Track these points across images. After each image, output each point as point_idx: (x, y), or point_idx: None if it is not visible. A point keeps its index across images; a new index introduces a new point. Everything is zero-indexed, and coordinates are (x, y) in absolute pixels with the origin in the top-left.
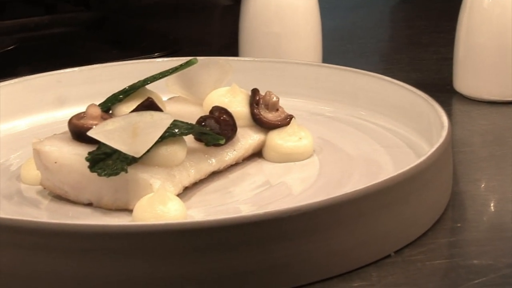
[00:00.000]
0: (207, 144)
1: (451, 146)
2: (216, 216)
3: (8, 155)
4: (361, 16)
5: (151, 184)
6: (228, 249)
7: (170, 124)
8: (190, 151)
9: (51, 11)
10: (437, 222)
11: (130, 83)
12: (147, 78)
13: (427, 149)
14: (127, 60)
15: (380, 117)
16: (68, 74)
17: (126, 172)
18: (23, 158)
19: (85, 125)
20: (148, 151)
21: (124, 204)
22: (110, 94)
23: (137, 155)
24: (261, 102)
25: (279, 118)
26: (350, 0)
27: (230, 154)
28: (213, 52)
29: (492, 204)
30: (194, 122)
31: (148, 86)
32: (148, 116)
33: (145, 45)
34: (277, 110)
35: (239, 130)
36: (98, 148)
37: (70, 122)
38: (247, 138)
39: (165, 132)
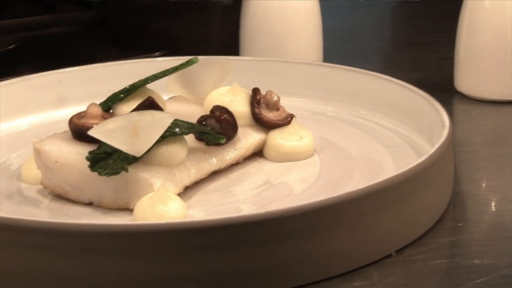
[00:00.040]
0: (208, 144)
1: (452, 145)
2: (217, 216)
3: (9, 154)
4: (362, 15)
5: (151, 184)
6: (228, 248)
7: (171, 124)
8: (191, 151)
9: (51, 11)
10: (438, 221)
11: (131, 83)
12: (147, 77)
13: (428, 149)
14: (128, 59)
15: (381, 116)
16: (68, 74)
17: (127, 171)
18: (23, 157)
19: (85, 125)
20: (148, 150)
21: (124, 204)
22: (111, 94)
23: (138, 155)
24: (262, 101)
25: (279, 118)
26: (351, 0)
27: (230, 153)
28: (213, 51)
29: (493, 204)
30: (194, 121)
31: (148, 86)
32: (149, 115)
33: (146, 45)
34: (278, 109)
35: (239, 130)
36: (98, 148)
37: (71, 121)
38: (248, 138)
39: (166, 131)
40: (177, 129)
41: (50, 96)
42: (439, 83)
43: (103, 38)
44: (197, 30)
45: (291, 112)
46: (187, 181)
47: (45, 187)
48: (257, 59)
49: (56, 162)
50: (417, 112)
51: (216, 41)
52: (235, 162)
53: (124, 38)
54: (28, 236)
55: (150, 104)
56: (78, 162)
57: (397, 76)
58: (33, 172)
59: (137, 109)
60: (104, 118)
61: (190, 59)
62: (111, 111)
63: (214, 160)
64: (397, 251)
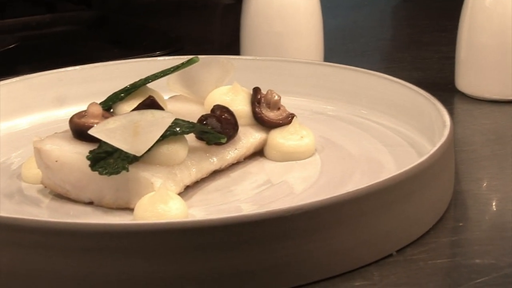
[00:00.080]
0: (209, 143)
1: (453, 145)
2: (218, 215)
3: (9, 153)
4: (363, 15)
5: (152, 183)
6: (229, 248)
7: (172, 123)
8: (192, 150)
9: (52, 10)
10: (439, 221)
11: (131, 82)
12: (148, 76)
13: (429, 148)
14: (128, 59)
15: (382, 116)
16: (69, 73)
17: (127, 170)
18: (24, 156)
19: (86, 124)
20: (149, 149)
21: (125, 203)
22: (111, 93)
23: (138, 154)
24: (262, 100)
25: (280, 117)
26: None
27: (231, 153)
28: (214, 50)
29: (494, 203)
30: (195, 120)
31: (149, 85)
32: (149, 114)
33: (147, 44)
34: (279, 108)
35: (240, 129)
36: (99, 147)
37: (71, 120)
38: (249, 137)
39: (167, 130)
40: (177, 129)
41: (51, 96)
42: (440, 82)
43: (104, 38)
44: (198, 30)
45: (292, 112)
46: (188, 181)
47: (45, 187)
48: (257, 58)
49: (56, 161)
50: (418, 112)
51: (217, 40)
52: (235, 161)
53: (125, 37)
54: (29, 235)
55: (151, 104)
56: (79, 162)
57: (398, 76)
58: (33, 171)
59: (137, 108)
60: (104, 117)
61: (191, 59)
62: (111, 110)
63: (215, 159)
64: (398, 251)
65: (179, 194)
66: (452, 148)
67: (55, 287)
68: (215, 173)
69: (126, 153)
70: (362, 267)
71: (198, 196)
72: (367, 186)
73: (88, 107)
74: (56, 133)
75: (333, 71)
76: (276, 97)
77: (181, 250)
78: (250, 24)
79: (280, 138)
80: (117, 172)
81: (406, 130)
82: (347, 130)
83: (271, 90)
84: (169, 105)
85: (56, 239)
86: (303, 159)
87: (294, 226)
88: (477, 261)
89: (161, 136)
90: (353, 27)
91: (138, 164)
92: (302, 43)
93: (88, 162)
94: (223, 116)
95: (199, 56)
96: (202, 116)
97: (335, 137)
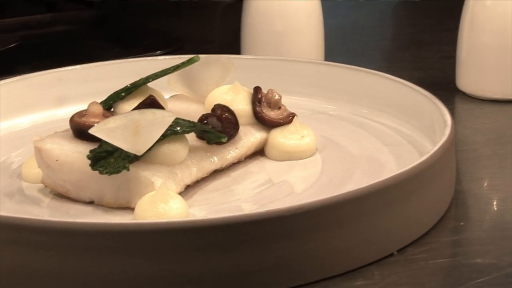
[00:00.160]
0: (209, 142)
1: (454, 144)
2: (218, 215)
3: (9, 153)
4: (364, 14)
5: (152, 182)
6: (229, 248)
7: (172, 122)
8: (192, 149)
9: (53, 9)
10: (440, 220)
11: (132, 81)
12: (149, 76)
13: (430, 148)
14: (129, 58)
15: (383, 115)
16: (69, 72)
17: (128, 170)
18: (24, 156)
19: (86, 123)
20: (150, 149)
21: (125, 202)
22: (112, 92)
23: (139, 153)
24: (263, 100)
25: (281, 116)
26: None
27: (232, 152)
28: (215, 50)
29: (495, 203)
30: (196, 120)
31: (150, 84)
32: (150, 114)
33: (147, 43)
34: (280, 108)
35: (241, 128)
36: (99, 146)
37: (72, 120)
38: (249, 136)
39: (167, 130)
40: (178, 128)
41: (51, 95)
42: (441, 82)
43: (104, 37)
44: (199, 29)
45: (292, 111)
46: (188, 180)
47: (46, 186)
48: (258, 57)
49: (57, 160)
50: (418, 111)
51: (218, 39)
52: (236, 161)
53: (125, 36)
54: (29, 234)
55: (151, 103)
56: (79, 161)
57: (398, 75)
58: (34, 170)
59: (138, 107)
60: (105, 116)
61: (192, 58)
62: (112, 109)
63: (216, 158)
64: (399, 250)
65: (180, 193)
66: (453, 147)
67: (55, 287)
68: (216, 173)
69: (126, 152)
70: (363, 266)
71: (199, 195)
72: (368, 186)
73: (88, 106)
74: (56, 132)
75: (334, 71)
76: (277, 97)
77: (182, 249)
78: (251, 23)
79: (280, 138)
80: (118, 172)
81: (407, 130)
82: (348, 130)
83: (271, 90)
84: (170, 105)
85: (56, 238)
86: (304, 158)
87: (294, 225)
88: (478, 260)
89: (162, 136)
90: (354, 26)
91: (138, 163)
92: (302, 42)
93: (89, 162)
94: (223, 116)
95: (200, 56)
96: (203, 115)
97: (336, 137)
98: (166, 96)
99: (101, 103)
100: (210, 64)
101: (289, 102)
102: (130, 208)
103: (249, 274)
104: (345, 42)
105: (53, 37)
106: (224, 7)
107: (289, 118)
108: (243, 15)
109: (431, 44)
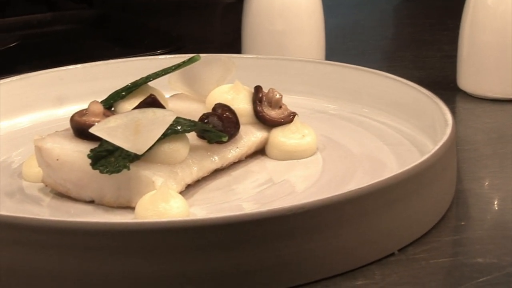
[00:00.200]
0: (210, 142)
1: (455, 144)
2: (219, 214)
3: (10, 152)
4: (364, 14)
5: (153, 182)
6: (230, 247)
7: (173, 121)
8: (193, 149)
9: (53, 8)
10: (441, 220)
11: (133, 80)
12: (149, 75)
13: (431, 147)
14: (130, 57)
15: (384, 114)
16: (70, 71)
17: (128, 169)
18: (24, 155)
19: (87, 122)
20: (150, 148)
21: (126, 202)
22: (112, 91)
23: (140, 152)
24: (264, 99)
25: (282, 116)
26: None
27: (233, 151)
28: (216, 49)
29: (496, 202)
30: (196, 119)
31: (150, 83)
32: (151, 113)
33: (148, 43)
34: (280, 107)
35: (242, 128)
36: (100, 145)
37: (72, 119)
38: (250, 136)
39: (168, 129)
40: (179, 127)
41: (52, 94)
42: (442, 81)
43: (105, 36)
44: (199, 28)
45: (293, 110)
46: (189, 179)
47: (46, 185)
48: (259, 57)
49: (57, 160)
50: (419, 110)
51: (218, 39)
52: (237, 160)
53: (126, 36)
54: (29, 234)
55: (152, 102)
56: (80, 160)
57: (399, 74)
58: (34, 170)
59: (138, 107)
60: (105, 116)
61: (192, 57)
62: (112, 109)
63: (216, 158)
64: (400, 250)
65: (180, 192)
66: (454, 147)
67: (56, 286)
68: (217, 172)
69: (127, 151)
70: (364, 266)
71: (200, 194)
72: (368, 185)
73: (89, 106)
74: (57, 131)
75: (335, 70)
76: (278, 96)
77: (182, 249)
78: (252, 23)
79: (281, 137)
80: (118, 171)
81: (408, 129)
82: (349, 129)
83: (272, 89)
84: (171, 104)
85: (57, 238)
86: (305, 157)
87: (295, 225)
88: (479, 260)
89: (163, 135)
90: (354, 25)
91: (139, 162)
92: (303, 41)
93: (89, 161)
94: (224, 115)
95: (201, 55)
96: (204, 114)
97: (337, 136)
98: (167, 95)
99: (101, 102)
100: (210, 63)
101: (289, 101)
102: (130, 208)
103: (249, 274)
104: (345, 41)
105: (53, 36)
106: (225, 6)
107: (290, 118)
108: (243, 14)
109: (432, 44)
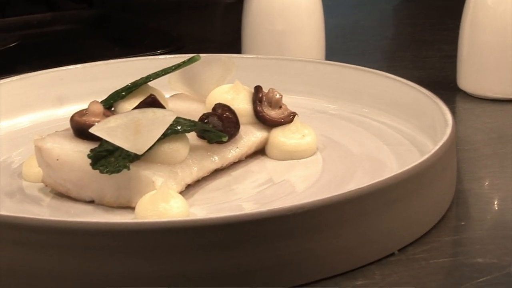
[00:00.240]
0: (210, 142)
1: (455, 144)
2: (219, 214)
3: (10, 152)
4: (364, 14)
5: (153, 182)
6: (230, 247)
7: (173, 121)
8: (193, 149)
9: (53, 8)
10: (441, 220)
11: (133, 80)
12: (149, 75)
13: (431, 147)
14: (130, 57)
15: (384, 114)
16: (70, 71)
17: (128, 169)
18: (24, 155)
19: (87, 122)
20: (150, 148)
21: (126, 202)
22: (112, 91)
23: (140, 152)
24: (264, 99)
25: (282, 116)
26: None
27: (233, 151)
28: (216, 49)
29: (496, 202)
30: (196, 119)
31: (150, 83)
32: (151, 113)
33: (148, 43)
34: (280, 107)
35: (242, 128)
36: (100, 145)
37: (72, 119)
38: (250, 136)
39: (168, 129)
40: (179, 127)
41: (52, 94)
42: (442, 81)
43: (105, 36)
44: (199, 28)
45: (293, 110)
46: (189, 179)
47: (46, 185)
48: (259, 57)
49: (57, 160)
50: (419, 110)
51: (218, 39)
52: (237, 160)
53: (126, 36)
54: (29, 234)
55: (152, 102)
56: (80, 160)
57: (399, 74)
58: (34, 170)
59: (139, 106)
60: (105, 116)
61: (192, 57)
62: (112, 109)
63: (216, 158)
64: (400, 250)
65: (180, 192)
66: (454, 147)
67: (56, 286)
68: (217, 172)
69: (127, 151)
70: (364, 266)
71: (200, 194)
72: (368, 185)
73: (89, 106)
74: (57, 131)
75: (335, 70)
76: (278, 96)
77: (182, 249)
78: (252, 23)
79: (281, 137)
80: (118, 171)
81: (408, 129)
82: (349, 129)
83: (272, 89)
84: (171, 104)
85: (57, 238)
86: (305, 157)
87: (295, 225)
88: (479, 260)
89: (163, 135)
90: (354, 25)
91: (139, 162)
92: (303, 41)
93: (89, 161)
94: (224, 115)
95: (201, 55)
96: (204, 114)
97: (337, 136)
98: (167, 95)
99: (101, 102)
100: (210, 63)
101: (289, 101)
102: (130, 208)
103: (250, 274)
104: (345, 41)
105: (53, 36)
106: (225, 6)
107: (290, 117)
108: (243, 14)
109: (432, 44)
